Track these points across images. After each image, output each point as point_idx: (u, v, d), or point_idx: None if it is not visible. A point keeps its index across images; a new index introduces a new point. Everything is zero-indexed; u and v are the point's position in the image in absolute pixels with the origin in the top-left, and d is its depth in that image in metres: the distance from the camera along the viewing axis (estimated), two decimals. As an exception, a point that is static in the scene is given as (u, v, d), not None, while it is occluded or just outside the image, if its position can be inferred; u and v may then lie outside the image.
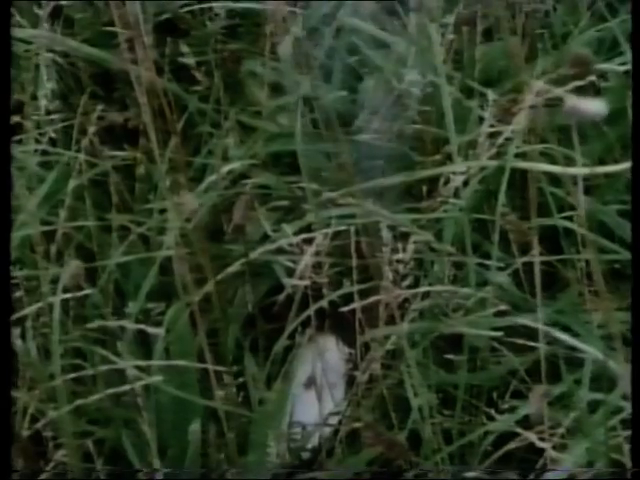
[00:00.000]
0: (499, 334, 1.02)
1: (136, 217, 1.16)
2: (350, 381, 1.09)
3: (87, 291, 0.98)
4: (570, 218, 1.10)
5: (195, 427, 1.04)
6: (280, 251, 1.12)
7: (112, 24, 1.27)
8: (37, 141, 1.22)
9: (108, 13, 1.31)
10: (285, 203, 1.17)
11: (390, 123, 1.18)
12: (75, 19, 1.32)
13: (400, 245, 1.04)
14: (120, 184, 1.19)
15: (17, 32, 1.29)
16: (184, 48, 1.25)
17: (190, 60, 1.24)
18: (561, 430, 0.97)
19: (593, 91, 1.01)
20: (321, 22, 1.26)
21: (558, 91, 1.00)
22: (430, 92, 1.16)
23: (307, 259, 1.03)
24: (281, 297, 1.09)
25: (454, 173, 1.08)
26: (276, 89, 1.24)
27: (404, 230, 1.03)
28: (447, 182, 1.08)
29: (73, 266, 0.83)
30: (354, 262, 1.05)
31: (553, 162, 1.09)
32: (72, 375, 1.02)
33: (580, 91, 0.94)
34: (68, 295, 0.97)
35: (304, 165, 1.16)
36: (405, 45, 1.19)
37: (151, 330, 1.00)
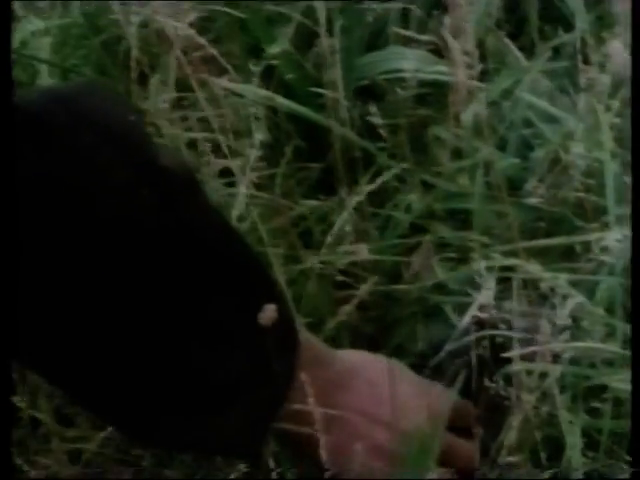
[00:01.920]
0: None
1: (326, 258, 1.24)
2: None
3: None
4: None
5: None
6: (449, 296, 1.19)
7: (318, 85, 1.36)
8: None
9: (316, 75, 1.40)
10: (456, 255, 1.23)
11: (555, 190, 1.24)
12: (286, 79, 1.41)
13: (556, 301, 1.09)
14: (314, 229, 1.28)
15: (231, 86, 1.40)
16: (375, 109, 1.32)
17: (381, 121, 1.31)
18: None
19: None
20: (501, 96, 1.32)
21: None
22: (594, 166, 1.21)
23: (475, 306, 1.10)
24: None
25: (610, 240, 1.13)
26: (457, 153, 1.30)
27: (561, 289, 1.09)
28: (604, 248, 1.13)
29: (270, 310, 0.91)
30: (513, 312, 1.11)
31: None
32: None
33: None
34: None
35: (477, 222, 1.23)
36: (574, 122, 1.25)
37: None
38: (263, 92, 1.38)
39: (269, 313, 0.90)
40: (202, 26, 1.43)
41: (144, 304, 0.84)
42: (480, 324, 1.10)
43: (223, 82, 1.40)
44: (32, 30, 1.50)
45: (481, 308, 1.07)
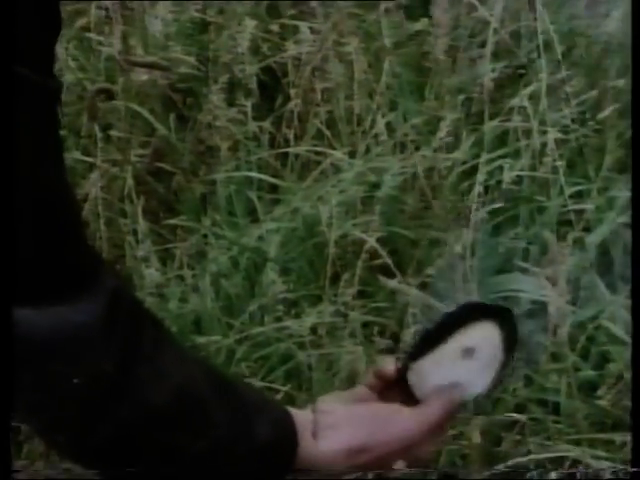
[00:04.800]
0: None
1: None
2: None
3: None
4: None
5: None
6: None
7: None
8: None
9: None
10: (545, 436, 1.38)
11: (621, 396, 1.37)
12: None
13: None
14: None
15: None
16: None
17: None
18: None
19: None
20: (588, 320, 1.47)
21: None
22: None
23: None
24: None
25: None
26: (553, 357, 1.45)
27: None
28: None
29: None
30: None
31: None
32: None
33: None
34: None
35: (563, 410, 1.38)
36: None
37: None
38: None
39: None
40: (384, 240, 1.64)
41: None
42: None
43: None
44: (267, 229, 1.74)
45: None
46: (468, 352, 0.84)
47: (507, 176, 1.59)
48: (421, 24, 1.90)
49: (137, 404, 0.75)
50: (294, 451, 0.84)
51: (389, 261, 1.60)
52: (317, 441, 0.85)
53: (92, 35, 2.16)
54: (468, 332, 0.84)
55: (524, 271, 1.54)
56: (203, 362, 0.86)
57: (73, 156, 2.00)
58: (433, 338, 0.85)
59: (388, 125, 1.79)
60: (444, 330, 0.84)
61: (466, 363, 0.84)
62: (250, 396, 0.85)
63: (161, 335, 0.79)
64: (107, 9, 2.24)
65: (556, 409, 1.40)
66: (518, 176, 1.60)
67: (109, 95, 1.92)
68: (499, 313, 0.86)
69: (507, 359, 0.86)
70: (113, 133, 2.06)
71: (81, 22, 2.32)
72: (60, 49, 2.19)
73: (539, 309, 1.51)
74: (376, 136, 1.79)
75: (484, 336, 0.84)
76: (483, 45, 1.77)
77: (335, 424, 0.85)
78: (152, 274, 1.76)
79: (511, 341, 0.86)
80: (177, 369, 0.78)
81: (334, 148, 1.82)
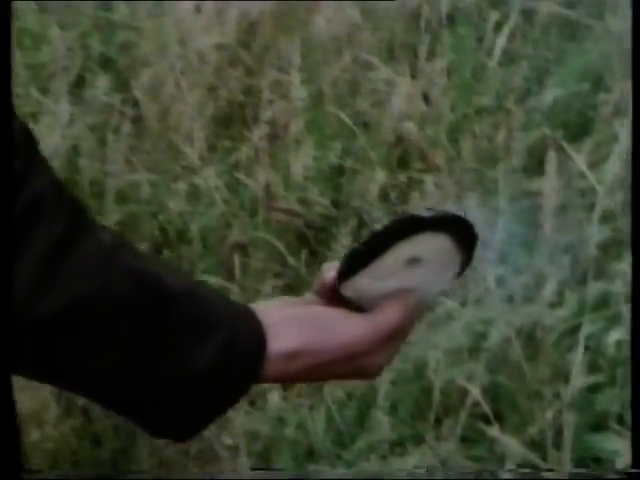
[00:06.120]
0: None
1: None
2: None
3: None
4: None
5: None
6: None
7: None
8: None
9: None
10: None
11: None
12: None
13: None
14: None
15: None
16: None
17: None
18: None
19: None
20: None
21: None
22: None
23: None
24: None
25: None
26: None
27: None
28: None
29: None
30: None
31: None
32: None
33: None
34: None
35: None
36: None
37: None
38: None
39: None
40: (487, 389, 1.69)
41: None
42: None
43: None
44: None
45: None
46: (414, 261, 0.74)
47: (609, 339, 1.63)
48: (536, 184, 1.97)
49: (20, 313, 0.66)
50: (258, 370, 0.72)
51: (488, 410, 1.65)
52: None
53: (240, 175, 2.33)
54: (410, 244, 0.73)
55: (618, 433, 1.56)
56: (146, 271, 0.72)
57: (212, 281, 2.15)
58: (364, 253, 0.73)
59: (498, 279, 1.86)
60: (377, 244, 0.73)
61: (414, 271, 0.74)
62: (209, 309, 0.72)
63: (78, 237, 0.67)
64: (257, 149, 2.41)
65: None
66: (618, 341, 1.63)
67: (243, 247, 2.07)
68: (451, 224, 0.74)
69: (467, 257, 0.76)
70: (251, 262, 2.20)
71: (233, 158, 2.51)
72: (212, 183, 2.37)
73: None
74: (487, 289, 1.86)
75: (432, 248, 0.73)
76: (591, 209, 1.83)
77: (271, 326, 0.73)
78: (274, 400, 1.86)
79: (469, 242, 0.75)
80: (86, 279, 0.67)
81: (447, 296, 1.89)
